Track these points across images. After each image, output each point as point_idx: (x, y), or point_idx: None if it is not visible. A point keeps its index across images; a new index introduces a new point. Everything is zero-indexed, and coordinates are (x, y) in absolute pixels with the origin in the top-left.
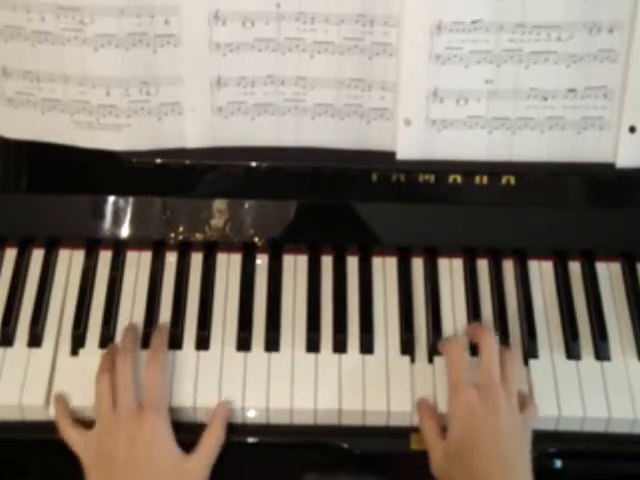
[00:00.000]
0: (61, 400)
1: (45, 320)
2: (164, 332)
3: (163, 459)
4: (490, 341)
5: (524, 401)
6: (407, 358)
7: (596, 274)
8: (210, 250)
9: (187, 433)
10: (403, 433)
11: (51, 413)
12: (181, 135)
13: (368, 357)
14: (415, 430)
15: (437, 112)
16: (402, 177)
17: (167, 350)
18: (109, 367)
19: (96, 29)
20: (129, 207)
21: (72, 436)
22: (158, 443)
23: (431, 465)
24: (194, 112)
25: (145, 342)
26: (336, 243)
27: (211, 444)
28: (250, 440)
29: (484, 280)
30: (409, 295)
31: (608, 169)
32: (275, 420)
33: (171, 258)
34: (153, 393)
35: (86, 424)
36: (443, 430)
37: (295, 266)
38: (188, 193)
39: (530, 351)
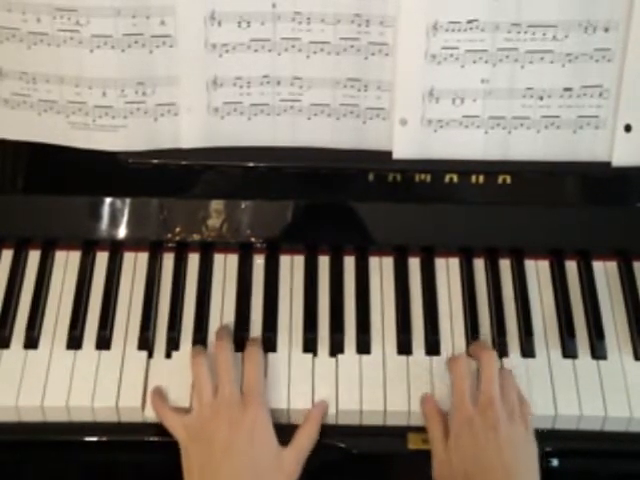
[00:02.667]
0: (159, 393)
1: (42, 322)
2: (258, 339)
3: (262, 448)
4: (489, 357)
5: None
6: (404, 358)
7: (593, 273)
8: (207, 250)
9: None
10: (400, 433)
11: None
12: (177, 136)
13: (365, 357)
14: (412, 430)
15: (433, 112)
16: (398, 177)
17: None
18: (203, 351)
19: (92, 30)
20: (126, 208)
21: (171, 419)
22: (259, 432)
23: (433, 471)
24: (190, 112)
25: (143, 345)
26: (333, 243)
27: (308, 436)
28: None
29: (481, 279)
30: (406, 295)
31: (604, 168)
32: (272, 420)
33: (168, 259)
34: (254, 385)
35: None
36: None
37: (292, 266)
38: (185, 194)
39: (527, 350)
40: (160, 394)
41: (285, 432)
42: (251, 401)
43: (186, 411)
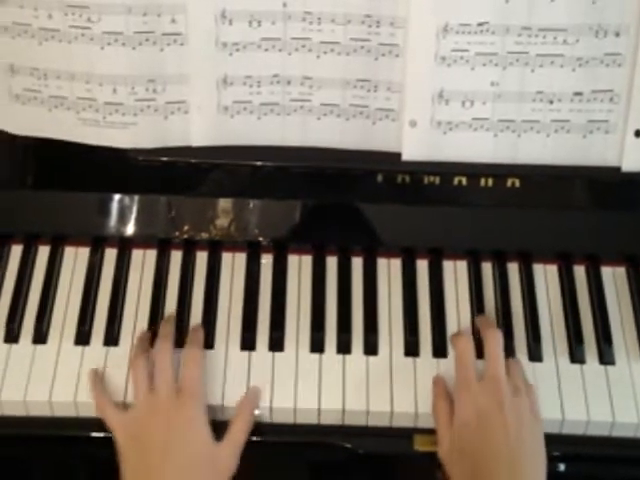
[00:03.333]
0: (97, 378)
1: (50, 317)
2: (200, 329)
3: (197, 445)
4: (495, 335)
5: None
6: (411, 359)
7: (601, 278)
8: (215, 249)
9: None
10: (406, 434)
11: (55, 408)
12: (187, 134)
13: (372, 358)
14: (418, 431)
15: (443, 114)
16: (407, 178)
17: (203, 338)
18: (144, 352)
19: (103, 27)
20: (134, 205)
21: (109, 415)
22: (194, 429)
23: (439, 449)
24: (200, 111)
25: (150, 341)
26: (341, 244)
27: (240, 430)
28: (254, 439)
29: (488, 282)
30: (413, 297)
31: (613, 173)
32: (279, 419)
33: (176, 256)
34: (191, 381)
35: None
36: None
37: (300, 266)
38: (193, 192)
39: (534, 354)
40: (101, 385)
41: (291, 431)
42: (186, 400)
43: (125, 407)
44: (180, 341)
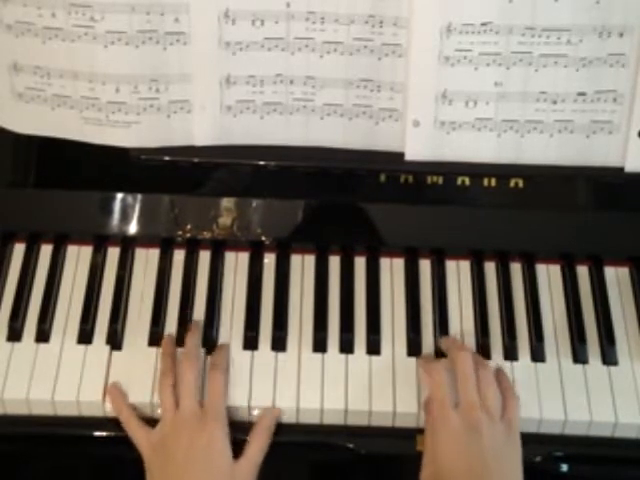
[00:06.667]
0: (120, 395)
1: (53, 316)
2: (225, 350)
3: (218, 462)
4: (464, 360)
5: (504, 402)
6: (414, 360)
7: (604, 278)
8: (218, 248)
9: None
10: (409, 434)
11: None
12: (190, 133)
13: (375, 358)
14: (421, 431)
15: (446, 114)
16: (410, 178)
17: (228, 357)
18: (171, 367)
19: (106, 26)
20: (137, 204)
21: (136, 433)
22: (215, 447)
23: (421, 474)
24: (203, 110)
25: (154, 340)
26: (344, 243)
27: (260, 446)
28: None
29: (491, 282)
30: (416, 296)
31: (617, 173)
32: (281, 419)
33: (179, 256)
34: (215, 399)
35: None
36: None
37: (302, 266)
38: (196, 191)
39: (537, 354)
40: (127, 403)
41: (293, 431)
42: (209, 418)
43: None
44: (181, 341)
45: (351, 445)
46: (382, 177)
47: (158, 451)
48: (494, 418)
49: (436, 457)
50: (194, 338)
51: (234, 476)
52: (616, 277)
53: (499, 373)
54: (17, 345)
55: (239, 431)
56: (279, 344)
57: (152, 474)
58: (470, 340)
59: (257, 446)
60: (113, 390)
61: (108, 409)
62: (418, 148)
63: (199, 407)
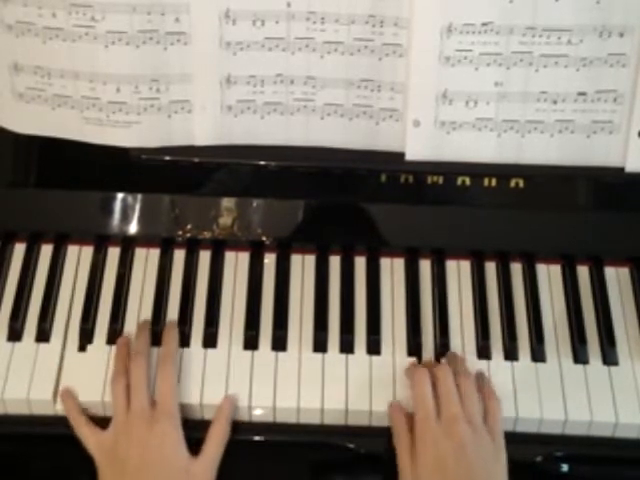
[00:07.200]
0: (71, 397)
1: (53, 315)
2: (175, 334)
3: (172, 462)
4: (444, 375)
5: (486, 408)
6: (414, 360)
7: (604, 278)
8: (218, 248)
9: (194, 430)
10: None
11: (58, 408)
12: (190, 133)
13: (375, 358)
14: None
15: (446, 114)
16: (411, 178)
17: (178, 351)
18: (124, 369)
19: (107, 26)
20: (138, 204)
21: (86, 435)
22: (168, 446)
23: None
24: (204, 110)
25: (153, 340)
26: (344, 243)
27: (217, 442)
28: (256, 438)
29: (492, 283)
30: (416, 297)
31: (617, 173)
32: (281, 419)
33: (179, 255)
34: (165, 397)
35: (95, 420)
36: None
37: (303, 266)
38: (197, 191)
39: (538, 355)
40: (76, 403)
41: (293, 431)
42: (159, 417)
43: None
44: (183, 341)
45: (351, 445)
46: (382, 177)
47: (110, 454)
48: (477, 428)
49: (419, 466)
50: (142, 338)
51: (191, 473)
52: (616, 277)
53: (480, 378)
54: (17, 345)
55: (241, 432)
56: (279, 344)
57: (104, 476)
58: (470, 340)
59: (215, 439)
60: (65, 394)
61: (109, 409)
62: (418, 148)
63: (149, 406)
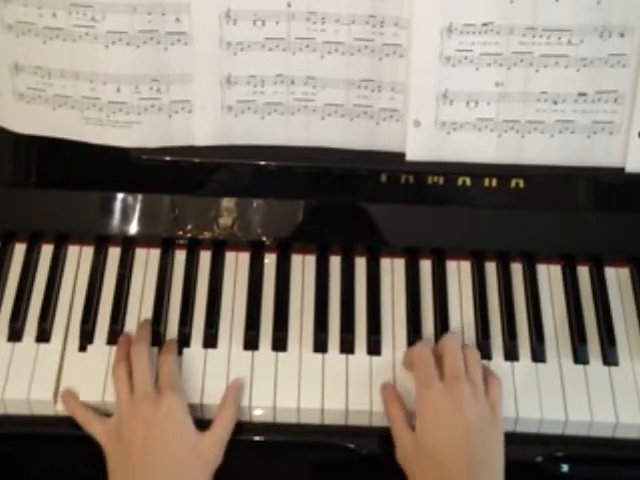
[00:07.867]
0: (72, 397)
1: (54, 316)
2: (173, 341)
3: (179, 437)
4: (450, 339)
5: (487, 385)
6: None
7: (605, 279)
8: (218, 248)
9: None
10: None
11: (58, 408)
12: (191, 133)
13: (375, 358)
14: None
15: (447, 114)
16: (411, 178)
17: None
18: (125, 356)
19: (107, 26)
20: (138, 204)
21: (93, 425)
22: (174, 421)
23: (397, 452)
24: (204, 110)
25: (153, 340)
26: (344, 243)
27: (225, 422)
28: (256, 438)
29: (492, 283)
30: (417, 297)
31: (618, 173)
32: (282, 419)
33: (180, 256)
34: (167, 376)
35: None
36: (409, 417)
37: (303, 266)
38: (197, 191)
39: (538, 355)
40: (79, 402)
41: (293, 431)
42: (164, 395)
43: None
44: (183, 341)
45: (352, 445)
46: (383, 177)
47: (117, 440)
48: (478, 394)
49: (417, 424)
50: (144, 328)
51: (199, 448)
52: (616, 277)
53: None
54: (18, 345)
55: (241, 432)
56: (280, 344)
57: (113, 463)
58: (471, 340)
59: (223, 418)
60: (66, 395)
61: (110, 409)
62: (419, 148)
63: (153, 388)
